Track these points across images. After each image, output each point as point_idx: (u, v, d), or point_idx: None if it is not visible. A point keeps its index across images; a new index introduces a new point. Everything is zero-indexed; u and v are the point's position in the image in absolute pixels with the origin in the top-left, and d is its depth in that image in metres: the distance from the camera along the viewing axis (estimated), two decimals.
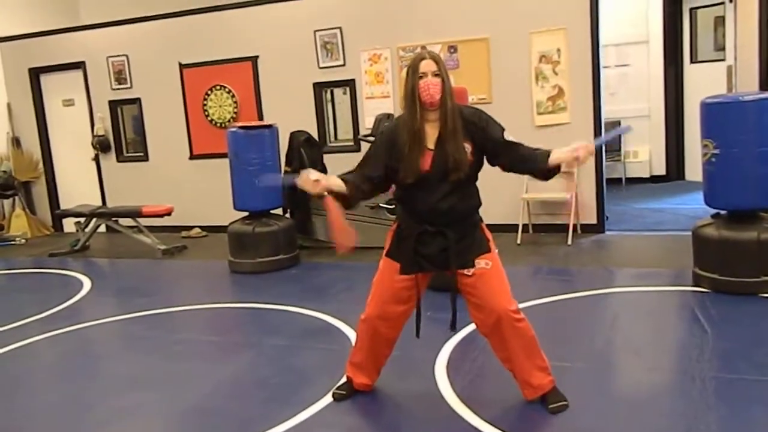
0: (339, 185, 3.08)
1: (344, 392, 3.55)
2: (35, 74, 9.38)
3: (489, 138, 3.10)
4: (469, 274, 3.13)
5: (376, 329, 3.35)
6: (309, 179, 3.04)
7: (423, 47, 7.25)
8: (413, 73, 3.03)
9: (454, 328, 3.35)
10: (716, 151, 4.66)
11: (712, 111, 4.73)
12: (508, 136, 3.12)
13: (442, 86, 3.02)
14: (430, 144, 3.07)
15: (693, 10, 9.09)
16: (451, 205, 3.10)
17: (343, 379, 3.61)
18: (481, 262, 3.14)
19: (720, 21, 8.65)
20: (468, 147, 3.07)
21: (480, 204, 3.24)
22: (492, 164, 3.21)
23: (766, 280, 4.58)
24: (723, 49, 8.54)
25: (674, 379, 3.58)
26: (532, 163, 3.09)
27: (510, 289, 3.17)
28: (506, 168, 3.19)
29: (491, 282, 3.13)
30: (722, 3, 8.43)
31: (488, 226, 3.29)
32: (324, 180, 3.06)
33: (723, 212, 4.89)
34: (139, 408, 3.70)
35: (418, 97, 3.02)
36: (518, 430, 3.15)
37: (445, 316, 3.30)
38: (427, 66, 3.02)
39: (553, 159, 3.02)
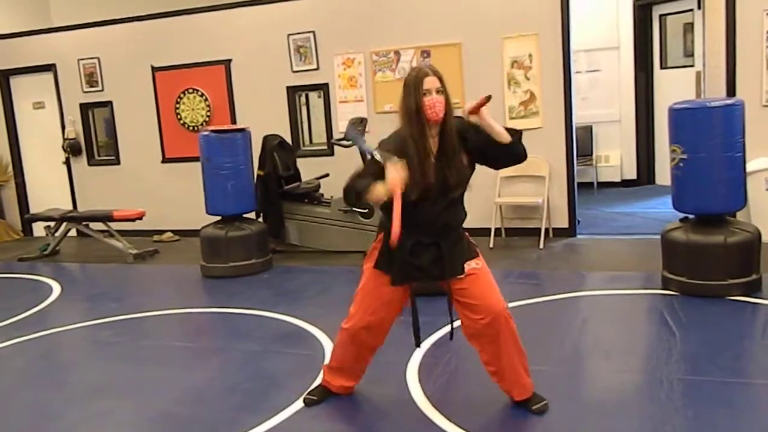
0: None
1: (315, 397, 3.55)
2: (5, 76, 9.24)
3: (483, 143, 3.10)
4: (463, 276, 3.16)
5: (362, 339, 3.34)
6: (400, 173, 2.89)
7: (396, 52, 7.33)
8: (416, 90, 3.01)
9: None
10: (684, 156, 4.73)
11: (679, 116, 4.79)
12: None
13: (445, 103, 3.03)
14: (431, 158, 3.08)
15: (663, 17, 9.21)
16: (447, 218, 3.14)
17: (315, 384, 3.60)
18: (471, 263, 3.18)
19: (689, 27, 8.78)
20: (465, 160, 3.11)
21: (467, 215, 3.27)
22: (492, 167, 3.26)
23: (732, 283, 4.65)
24: (692, 55, 8.67)
25: (642, 381, 3.62)
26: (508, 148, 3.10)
27: (499, 290, 3.19)
28: (501, 166, 3.27)
29: (484, 282, 3.17)
30: (691, 10, 8.56)
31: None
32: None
33: (691, 216, 4.96)
34: (107, 415, 3.65)
35: (423, 114, 3.01)
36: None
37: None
38: (431, 83, 3.01)
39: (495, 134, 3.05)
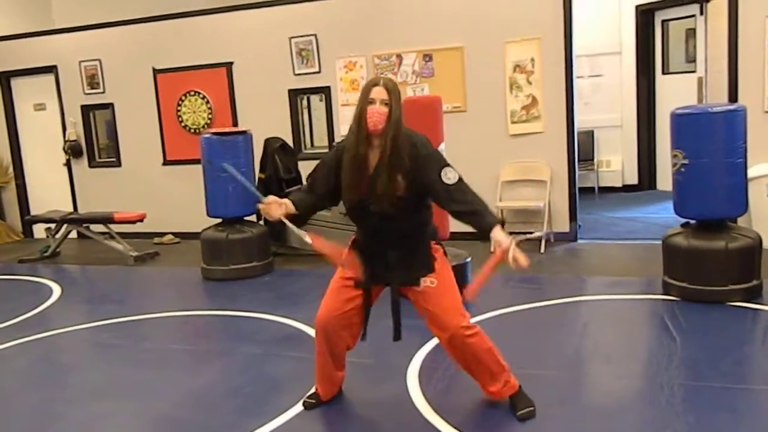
0: (291, 208, 3.22)
1: (314, 401, 3.54)
2: (6, 78, 9.26)
3: (423, 178, 3.04)
4: (419, 290, 3.17)
5: (327, 332, 3.31)
6: (274, 205, 3.15)
7: (398, 55, 7.34)
8: (363, 98, 3.04)
9: (398, 338, 3.33)
10: (686, 162, 4.72)
11: (681, 122, 4.79)
12: (450, 177, 3.03)
13: (389, 115, 3.01)
14: (370, 168, 3.08)
15: (665, 22, 9.22)
16: (394, 228, 3.13)
17: (314, 388, 3.60)
18: (426, 281, 3.17)
19: (691, 33, 8.78)
20: (402, 182, 3.04)
21: (425, 225, 3.23)
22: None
23: (733, 289, 4.65)
24: (694, 60, 8.67)
25: (643, 386, 3.62)
26: (473, 223, 3.04)
27: (460, 304, 3.14)
28: (443, 208, 3.13)
29: (438, 300, 3.15)
30: (693, 16, 8.57)
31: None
32: (282, 204, 3.17)
33: (692, 221, 4.95)
34: (108, 417, 3.65)
35: (364, 122, 3.03)
36: None
37: (419, 323, 3.30)
38: (377, 93, 3.02)
39: (494, 238, 2.93)
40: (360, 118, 3.04)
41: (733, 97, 6.25)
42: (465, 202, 3.03)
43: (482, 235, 2.99)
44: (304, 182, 3.21)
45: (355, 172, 3.07)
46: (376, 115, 3.00)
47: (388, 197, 3.04)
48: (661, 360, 3.86)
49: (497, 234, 2.92)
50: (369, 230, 3.21)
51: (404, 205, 3.08)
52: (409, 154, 3.03)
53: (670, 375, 3.64)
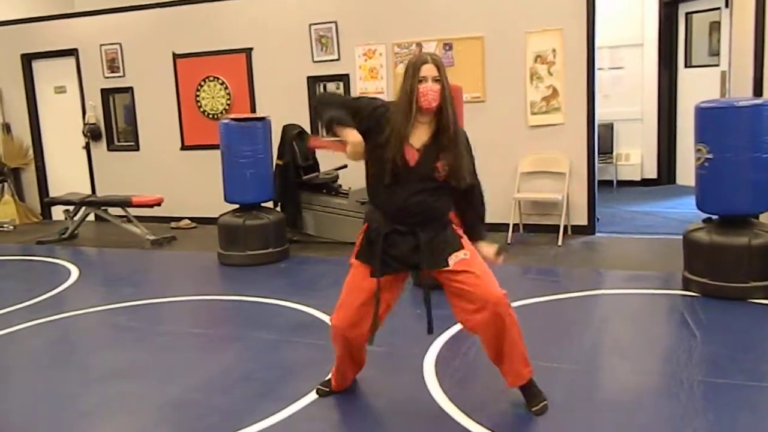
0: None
1: (327, 389, 3.53)
2: (27, 60, 9.30)
3: (457, 164, 3.08)
4: (451, 268, 3.09)
5: (346, 338, 3.27)
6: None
7: (418, 44, 7.29)
8: (413, 75, 2.98)
9: (431, 332, 3.29)
10: (709, 156, 4.66)
11: (706, 116, 4.72)
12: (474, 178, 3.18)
13: (442, 92, 2.98)
14: (417, 143, 3.04)
15: (688, 15, 9.11)
16: (425, 206, 3.07)
17: (328, 376, 3.59)
18: (459, 254, 3.11)
19: (715, 26, 8.66)
20: (449, 158, 3.06)
21: (451, 208, 3.22)
22: None
23: (755, 286, 4.59)
24: (717, 54, 8.56)
25: (662, 382, 3.58)
26: (470, 228, 3.24)
27: (494, 276, 3.13)
28: (455, 200, 3.23)
29: (475, 270, 3.09)
30: (718, 8, 8.45)
31: None
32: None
33: (714, 217, 4.89)
34: (123, 399, 3.66)
35: (416, 100, 2.98)
36: (504, 428, 3.13)
37: (438, 312, 3.26)
38: (428, 70, 2.97)
39: (480, 247, 3.22)
40: (410, 95, 2.98)
41: (758, 91, 6.14)
42: (475, 206, 3.26)
43: (471, 238, 3.22)
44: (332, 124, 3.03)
45: (397, 147, 2.98)
46: (431, 93, 2.96)
47: (437, 171, 3.03)
48: (681, 356, 3.81)
49: (483, 247, 3.23)
50: (399, 207, 3.07)
51: (444, 182, 3.08)
52: (465, 137, 3.11)
53: (690, 371, 3.60)
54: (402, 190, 3.05)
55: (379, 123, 3.04)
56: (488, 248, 3.21)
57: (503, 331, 3.09)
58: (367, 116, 3.07)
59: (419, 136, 3.05)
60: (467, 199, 3.21)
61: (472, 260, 3.12)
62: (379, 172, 3.06)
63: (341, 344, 3.34)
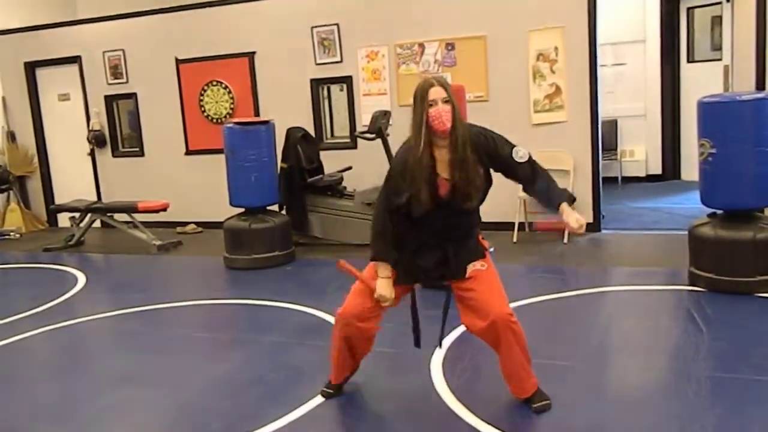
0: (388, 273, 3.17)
1: (332, 390, 3.54)
2: (31, 68, 9.33)
3: (498, 157, 3.08)
4: (467, 276, 3.13)
5: (351, 328, 3.28)
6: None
7: (420, 45, 7.29)
8: (422, 101, 2.97)
9: (440, 345, 3.36)
10: (713, 151, 4.66)
11: (709, 110, 4.72)
12: (521, 155, 3.08)
13: (453, 112, 2.97)
14: (444, 173, 3.03)
15: (690, 10, 9.08)
16: (456, 224, 3.11)
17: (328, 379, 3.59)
18: (476, 264, 3.15)
19: (717, 21, 8.64)
20: (480, 170, 3.06)
21: (480, 220, 3.24)
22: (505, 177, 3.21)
23: (762, 280, 4.58)
24: (720, 48, 8.54)
25: (669, 378, 3.58)
26: (543, 199, 3.16)
27: (505, 294, 3.15)
28: (518, 182, 3.22)
29: (487, 284, 3.13)
30: (719, 3, 8.43)
31: (484, 224, 3.29)
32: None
33: (719, 212, 4.89)
34: (132, 404, 3.68)
35: (428, 126, 2.97)
36: (512, 428, 3.14)
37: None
38: (436, 93, 2.96)
39: (563, 212, 3.06)
40: (422, 122, 2.97)
41: (760, 85, 6.13)
42: (541, 178, 3.12)
43: (551, 211, 3.14)
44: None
45: (424, 179, 2.98)
46: (444, 114, 2.95)
47: (478, 189, 3.04)
48: (688, 352, 3.81)
49: (569, 214, 3.04)
50: (432, 227, 3.10)
51: (482, 195, 3.09)
52: (476, 142, 3.04)
53: (698, 367, 3.60)
54: (435, 215, 3.06)
55: (404, 168, 3.03)
56: (571, 215, 3.03)
57: (504, 346, 3.13)
58: (398, 183, 3.05)
59: (443, 163, 3.03)
60: (525, 176, 3.13)
61: (487, 273, 3.16)
62: (413, 207, 3.04)
63: (343, 334, 3.33)
